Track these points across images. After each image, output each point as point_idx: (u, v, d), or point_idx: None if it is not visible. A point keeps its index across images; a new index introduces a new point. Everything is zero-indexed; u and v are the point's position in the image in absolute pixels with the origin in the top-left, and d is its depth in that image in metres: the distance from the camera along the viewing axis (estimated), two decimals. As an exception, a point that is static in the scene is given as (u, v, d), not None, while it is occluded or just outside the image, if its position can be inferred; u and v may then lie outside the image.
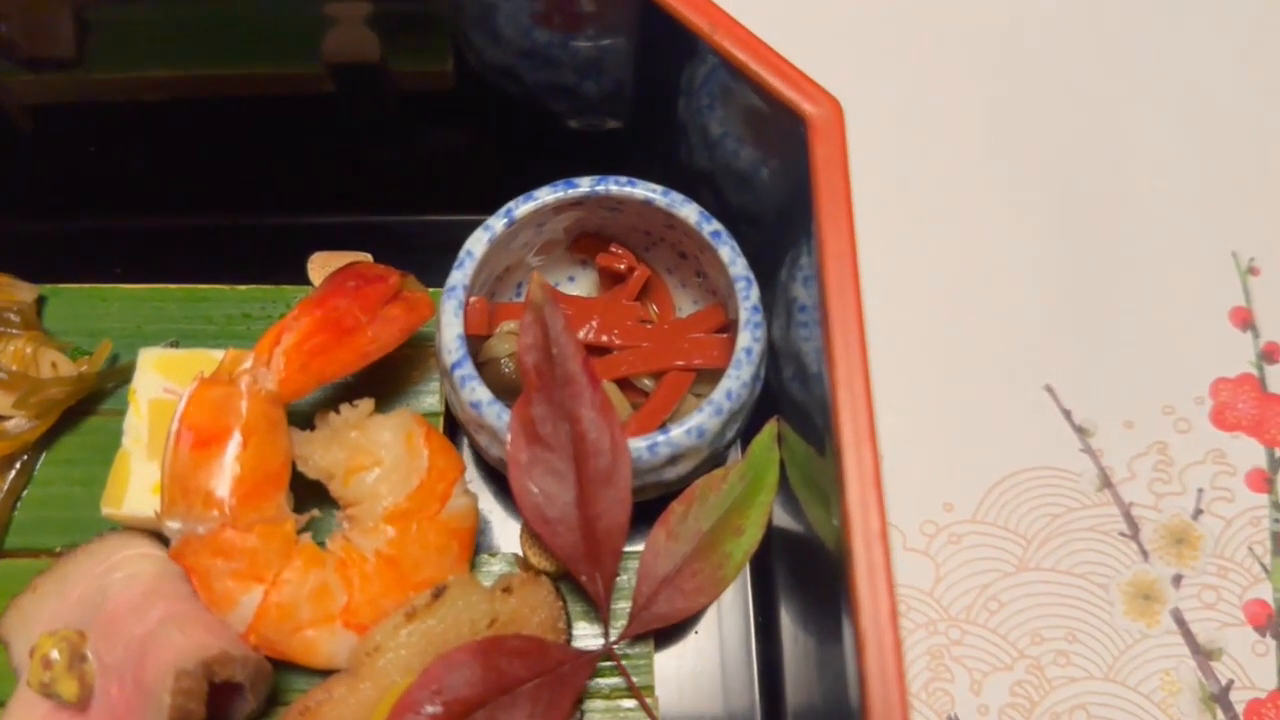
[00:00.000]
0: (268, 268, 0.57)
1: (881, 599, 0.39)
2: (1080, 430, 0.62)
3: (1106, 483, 0.61)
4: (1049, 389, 0.62)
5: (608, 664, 0.51)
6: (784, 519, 0.54)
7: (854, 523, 0.40)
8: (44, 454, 0.53)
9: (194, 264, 0.58)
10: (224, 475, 0.46)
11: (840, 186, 0.44)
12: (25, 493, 0.52)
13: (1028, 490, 0.60)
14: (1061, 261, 0.65)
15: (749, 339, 0.50)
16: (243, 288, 0.56)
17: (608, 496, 0.48)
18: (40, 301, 0.55)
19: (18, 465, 0.52)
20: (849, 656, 0.41)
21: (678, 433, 0.48)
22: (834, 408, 0.42)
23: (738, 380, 0.49)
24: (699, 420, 0.49)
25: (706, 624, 0.56)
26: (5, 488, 0.51)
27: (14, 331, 0.51)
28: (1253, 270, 0.65)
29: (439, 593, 0.46)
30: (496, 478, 0.57)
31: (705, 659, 0.55)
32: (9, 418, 0.51)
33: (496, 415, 0.48)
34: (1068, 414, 0.62)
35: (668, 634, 0.54)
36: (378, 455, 0.48)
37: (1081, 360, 0.63)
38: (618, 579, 0.52)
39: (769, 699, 0.55)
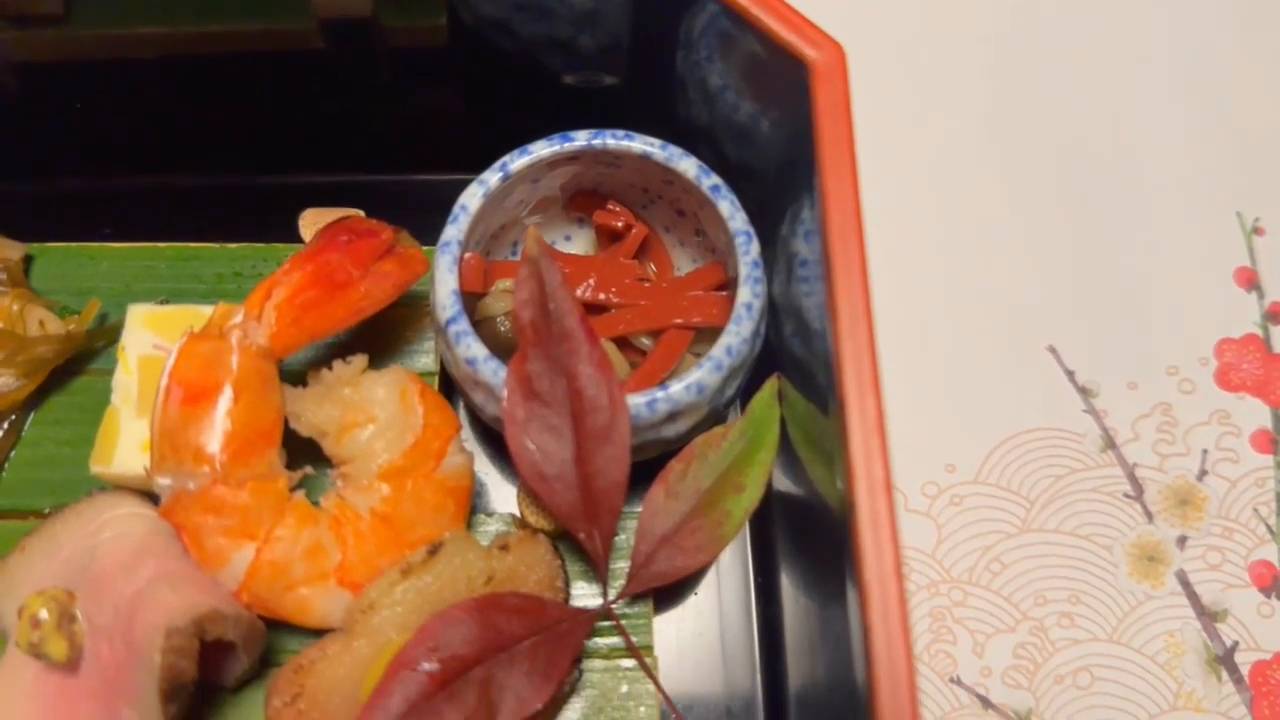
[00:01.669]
0: (258, 227, 0.56)
1: (885, 548, 0.38)
2: (1083, 391, 0.61)
3: (1110, 444, 0.60)
4: (1052, 350, 0.62)
5: (606, 624, 0.50)
6: (784, 480, 0.53)
7: (857, 471, 0.39)
8: (32, 414, 0.52)
9: (183, 224, 0.56)
10: (215, 431, 0.45)
11: (843, 132, 0.43)
12: (13, 453, 0.51)
13: (1030, 451, 0.60)
14: (1064, 221, 0.64)
15: (749, 294, 0.49)
16: (233, 246, 0.55)
17: (606, 453, 0.47)
18: (27, 260, 0.54)
19: (5, 425, 0.51)
20: (852, 615, 0.41)
21: (677, 389, 0.48)
22: (837, 357, 0.41)
23: (738, 336, 0.49)
24: (699, 376, 0.48)
25: (706, 586, 0.55)
26: (-7, 447, 0.50)
27: (1, 289, 0.50)
28: (1257, 231, 0.64)
29: (435, 549, 0.46)
30: (492, 439, 0.56)
31: (705, 620, 0.55)
32: (-4, 376, 0.50)
33: (493, 372, 0.47)
34: (1071, 375, 0.61)
35: (667, 595, 0.54)
36: (371, 412, 0.48)
37: (1085, 321, 0.62)
38: (616, 539, 0.52)
39: (768, 660, 0.55)
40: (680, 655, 0.54)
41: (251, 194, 0.59)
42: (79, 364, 0.53)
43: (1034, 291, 0.62)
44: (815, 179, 0.44)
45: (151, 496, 0.49)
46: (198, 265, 0.54)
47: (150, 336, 0.49)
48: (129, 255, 0.54)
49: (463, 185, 0.51)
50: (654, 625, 0.51)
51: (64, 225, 0.56)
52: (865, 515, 0.39)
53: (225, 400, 0.45)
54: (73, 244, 0.55)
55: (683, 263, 0.57)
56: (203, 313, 0.49)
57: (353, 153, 0.59)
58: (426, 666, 0.43)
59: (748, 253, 0.50)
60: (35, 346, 0.50)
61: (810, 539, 0.52)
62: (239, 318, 0.46)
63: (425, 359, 0.54)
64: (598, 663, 0.50)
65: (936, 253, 0.63)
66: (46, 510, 0.50)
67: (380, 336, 0.53)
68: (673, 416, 0.48)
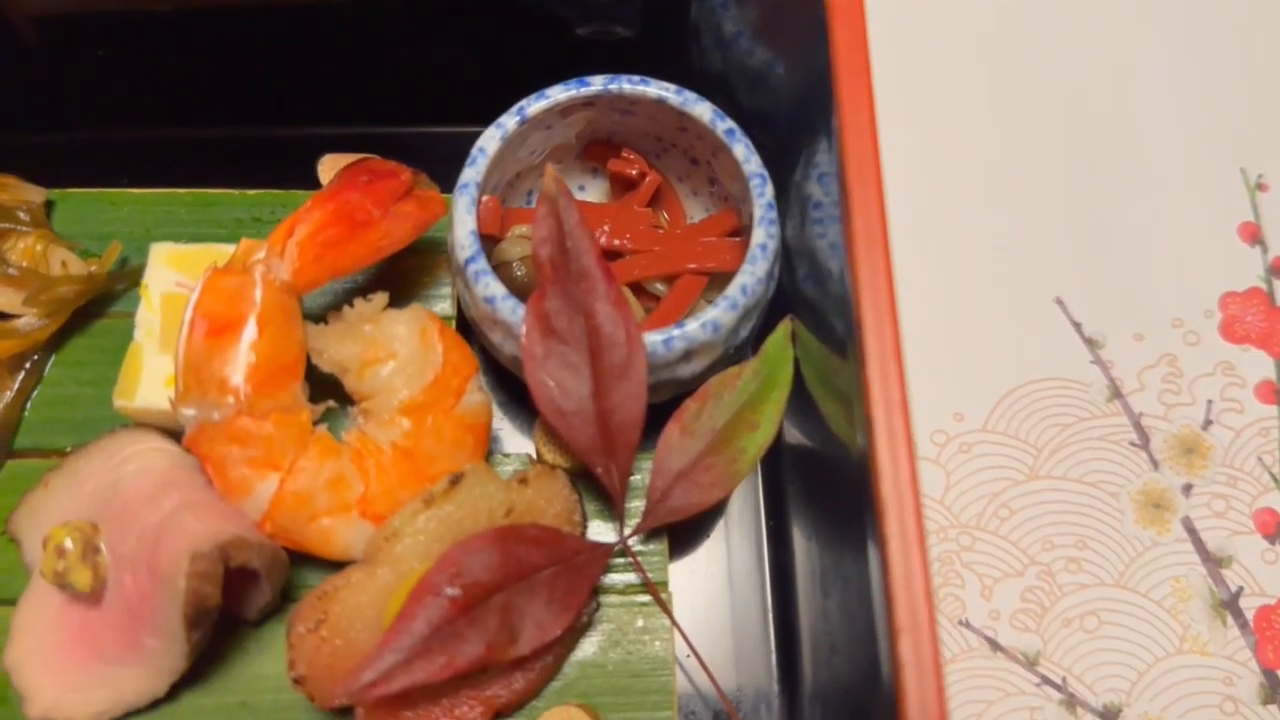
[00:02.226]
0: (276, 176, 0.57)
1: (903, 466, 0.38)
2: (1090, 342, 0.62)
3: (1116, 393, 0.61)
4: (1059, 301, 0.62)
5: (622, 561, 0.51)
6: (795, 424, 0.54)
7: (874, 390, 0.40)
8: (53, 355, 0.52)
9: (201, 174, 0.57)
10: (239, 363, 0.45)
11: (861, 68, 0.44)
12: (35, 393, 0.52)
13: (1038, 400, 0.60)
14: (1071, 176, 0.65)
15: (764, 235, 0.50)
16: (252, 192, 0.56)
17: (623, 390, 0.48)
18: (48, 206, 0.55)
19: (27, 365, 0.51)
20: (871, 559, 0.41)
21: (693, 327, 0.48)
22: (855, 283, 0.41)
23: (753, 276, 0.49)
24: (714, 315, 0.48)
25: (718, 529, 0.56)
26: (15, 387, 0.51)
27: (23, 229, 0.51)
28: (1261, 186, 0.65)
29: (456, 480, 0.46)
30: (507, 383, 0.56)
31: (717, 562, 0.55)
32: (19, 316, 0.51)
33: (511, 310, 0.48)
34: (1078, 326, 0.62)
35: (680, 538, 0.54)
36: (392, 348, 0.48)
37: (1091, 274, 0.63)
38: (632, 479, 0.52)
39: (780, 601, 0.55)
40: (693, 595, 0.55)
41: (268, 145, 0.60)
42: (100, 306, 0.53)
43: (1041, 244, 0.63)
44: (832, 116, 0.45)
45: (173, 434, 0.50)
46: (217, 210, 0.55)
47: (173, 274, 0.50)
48: (149, 201, 0.55)
49: (476, 138, 0.52)
50: (668, 566, 0.52)
51: (83, 176, 0.57)
52: (882, 432, 0.40)
53: (249, 333, 0.45)
54: (93, 190, 0.55)
55: (695, 212, 0.58)
56: (225, 251, 0.49)
57: (368, 105, 0.60)
58: (449, 592, 0.44)
59: (762, 195, 0.50)
60: (57, 286, 0.50)
61: (822, 482, 0.53)
62: (262, 253, 0.47)
63: (442, 304, 0.55)
64: (614, 598, 0.50)
65: (944, 206, 0.64)
66: (69, 449, 0.51)
67: (397, 282, 0.54)
68: (688, 355, 0.49)
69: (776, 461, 0.57)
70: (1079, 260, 0.63)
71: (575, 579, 0.47)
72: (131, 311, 0.52)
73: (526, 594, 0.45)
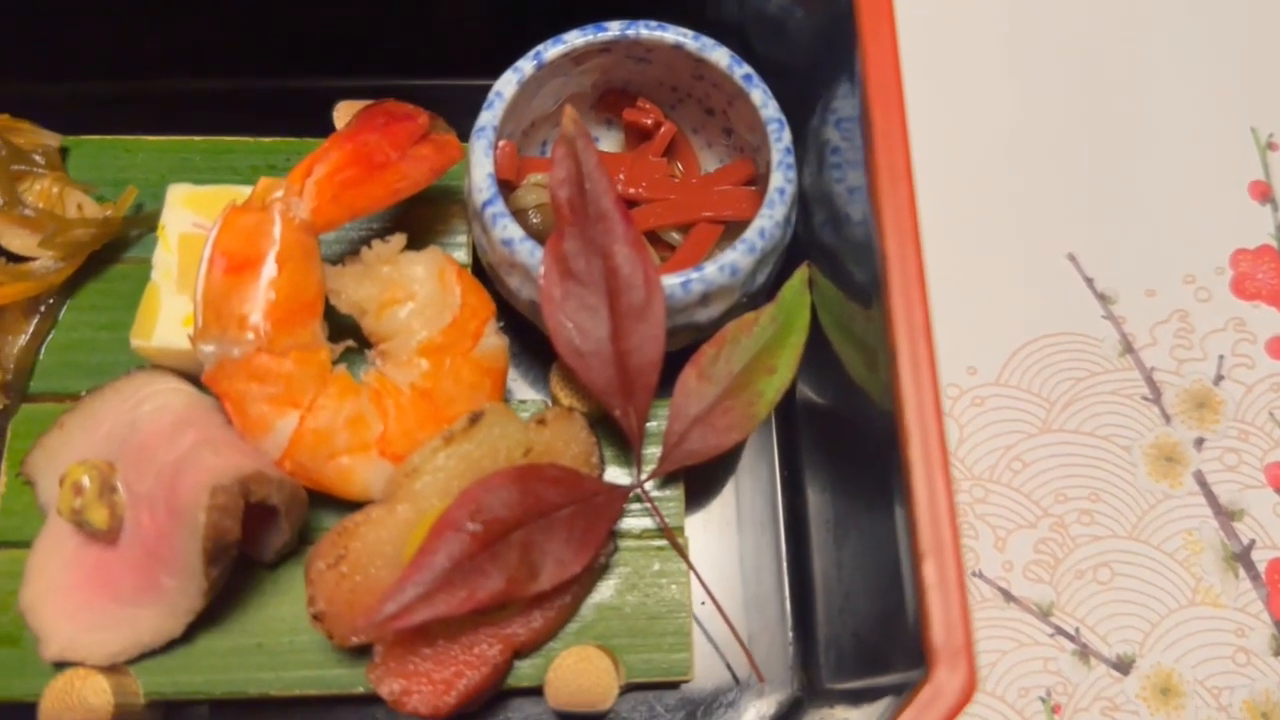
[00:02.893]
0: (290, 127, 0.57)
1: (925, 387, 0.38)
2: (1102, 298, 0.62)
3: (1129, 348, 0.61)
4: (1071, 258, 0.62)
5: (639, 507, 0.51)
6: (810, 375, 0.54)
7: (897, 318, 0.40)
8: (68, 300, 0.52)
9: (215, 124, 0.57)
10: (258, 299, 0.45)
11: (884, 9, 0.44)
12: (50, 337, 0.52)
13: (1050, 355, 0.61)
14: (1083, 134, 0.65)
15: (782, 179, 0.50)
16: (267, 140, 0.55)
17: (641, 332, 0.48)
18: (63, 153, 0.54)
19: (42, 309, 0.51)
20: (897, 512, 0.41)
21: (711, 269, 0.48)
22: (879, 223, 0.41)
23: (771, 220, 0.49)
24: (732, 258, 0.48)
25: (733, 478, 0.56)
26: (30, 331, 0.51)
27: (39, 171, 0.51)
28: (1271, 146, 0.65)
29: (476, 418, 0.46)
30: (523, 333, 0.56)
31: (731, 511, 0.56)
32: (34, 259, 0.50)
33: (529, 252, 0.48)
34: (1090, 282, 0.62)
35: (696, 487, 0.54)
36: (410, 289, 0.48)
37: (1103, 231, 0.63)
38: (648, 425, 0.52)
39: (794, 549, 0.55)
40: (708, 543, 0.55)
41: (284, 96, 0.59)
42: (115, 252, 0.53)
43: (1054, 201, 0.63)
44: (855, 58, 0.45)
45: (190, 377, 0.49)
46: (232, 158, 0.55)
47: (190, 215, 0.50)
48: (164, 148, 0.55)
49: (488, 91, 0.52)
50: (684, 514, 0.52)
51: (97, 125, 0.56)
52: (906, 361, 0.40)
53: (268, 270, 0.45)
54: (108, 137, 0.55)
55: (710, 164, 0.57)
56: (242, 193, 0.49)
57: (384, 56, 0.60)
58: (470, 527, 0.44)
59: (780, 139, 0.50)
60: (73, 229, 0.50)
61: (836, 431, 0.53)
62: (280, 192, 0.47)
63: (458, 253, 0.55)
64: (631, 542, 0.50)
65: (957, 163, 0.64)
66: (83, 393, 0.51)
67: (413, 231, 0.53)
68: (705, 299, 0.49)
69: (790, 411, 0.57)
70: (1091, 217, 0.63)
71: (594, 519, 0.47)
72: (146, 258, 0.52)
73: (546, 531, 0.45)
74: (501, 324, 0.51)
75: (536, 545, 0.45)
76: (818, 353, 0.51)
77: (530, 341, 0.56)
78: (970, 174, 0.64)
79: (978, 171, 0.64)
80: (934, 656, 0.35)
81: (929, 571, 0.36)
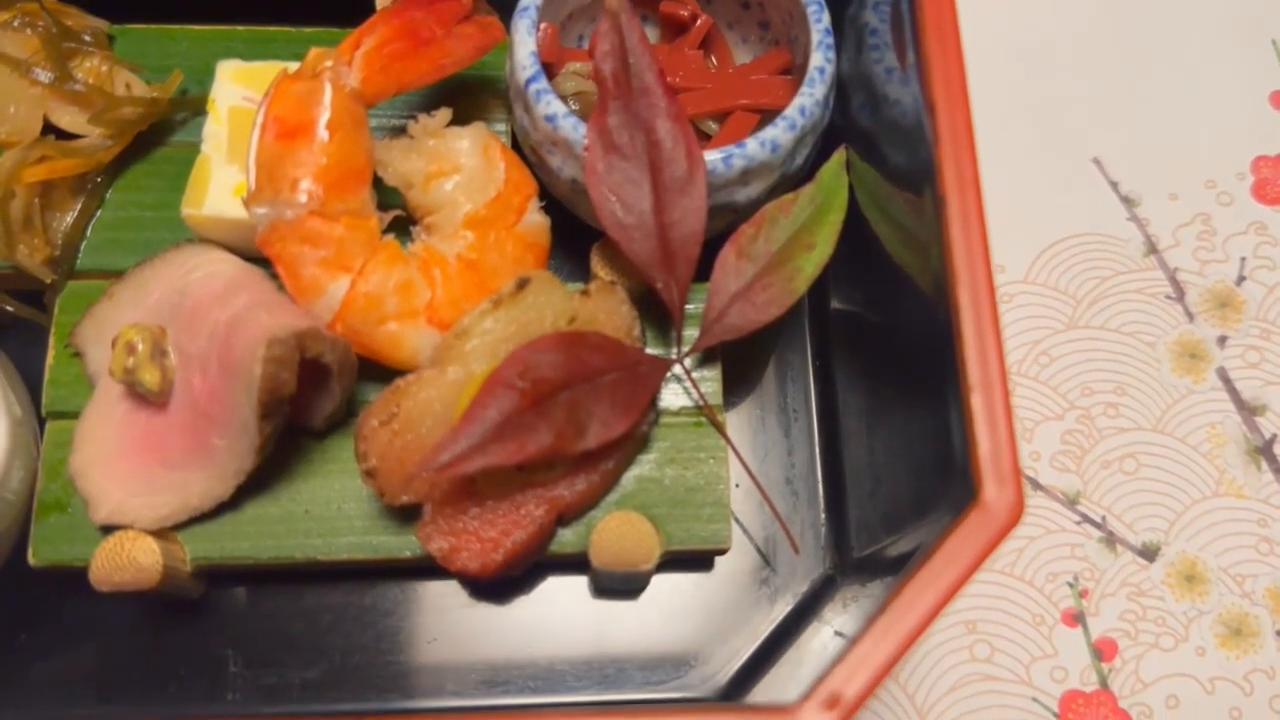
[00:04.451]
0: (332, 17, 0.57)
1: (974, 230, 0.39)
2: (1127, 201, 0.63)
3: (1152, 249, 0.62)
4: (1097, 161, 0.63)
5: (678, 386, 0.51)
6: (843, 272, 0.54)
7: (948, 177, 0.41)
8: (115, 180, 0.53)
9: (258, 14, 0.57)
10: (310, 164, 0.46)
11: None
12: (96, 216, 0.52)
13: (1077, 254, 0.61)
14: (1109, 41, 0.66)
15: (822, 59, 0.51)
16: (309, 29, 0.56)
17: (683, 205, 0.49)
18: (110, 40, 0.55)
19: (89, 188, 0.52)
20: (950, 399, 0.41)
21: (752, 144, 0.49)
22: (930, 104, 0.42)
23: (811, 98, 0.50)
24: (773, 134, 0.49)
25: (768, 367, 0.57)
26: (78, 209, 0.51)
27: (89, 50, 0.51)
28: (1292, 57, 0.66)
29: (523, 284, 0.47)
30: (559, 223, 0.57)
31: (766, 399, 0.57)
32: (83, 136, 0.51)
33: (573, 127, 0.49)
34: (1115, 185, 0.63)
35: (731, 378, 0.55)
36: (456, 162, 0.49)
37: (1128, 136, 0.64)
38: (686, 308, 0.53)
39: (826, 436, 0.56)
40: (742, 426, 0.56)
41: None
42: (160, 135, 0.54)
43: (1080, 105, 0.64)
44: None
45: (237, 252, 0.50)
46: (274, 47, 0.55)
47: (239, 90, 0.50)
48: (207, 37, 0.55)
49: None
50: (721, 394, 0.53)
51: (141, 15, 0.57)
52: (960, 253, 0.40)
53: (320, 135, 0.46)
54: (152, 25, 0.56)
55: (744, 59, 0.58)
56: (289, 68, 0.50)
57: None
58: (519, 384, 0.44)
59: (819, 20, 0.51)
60: (121, 106, 0.51)
61: (870, 325, 0.54)
62: (331, 62, 0.47)
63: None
64: (669, 419, 0.51)
65: (986, 67, 0.65)
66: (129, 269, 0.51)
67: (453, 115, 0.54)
68: (745, 176, 0.50)
69: (822, 309, 0.58)
70: (1117, 124, 0.64)
71: (636, 386, 0.48)
72: (191, 141, 0.53)
73: (591, 395, 0.46)
74: (544, 203, 0.52)
75: (583, 406, 0.46)
76: (850, 242, 0.52)
77: (567, 229, 0.56)
78: (999, 80, 0.65)
79: (1005, 77, 0.65)
80: (982, 478, 0.36)
81: (977, 403, 0.37)
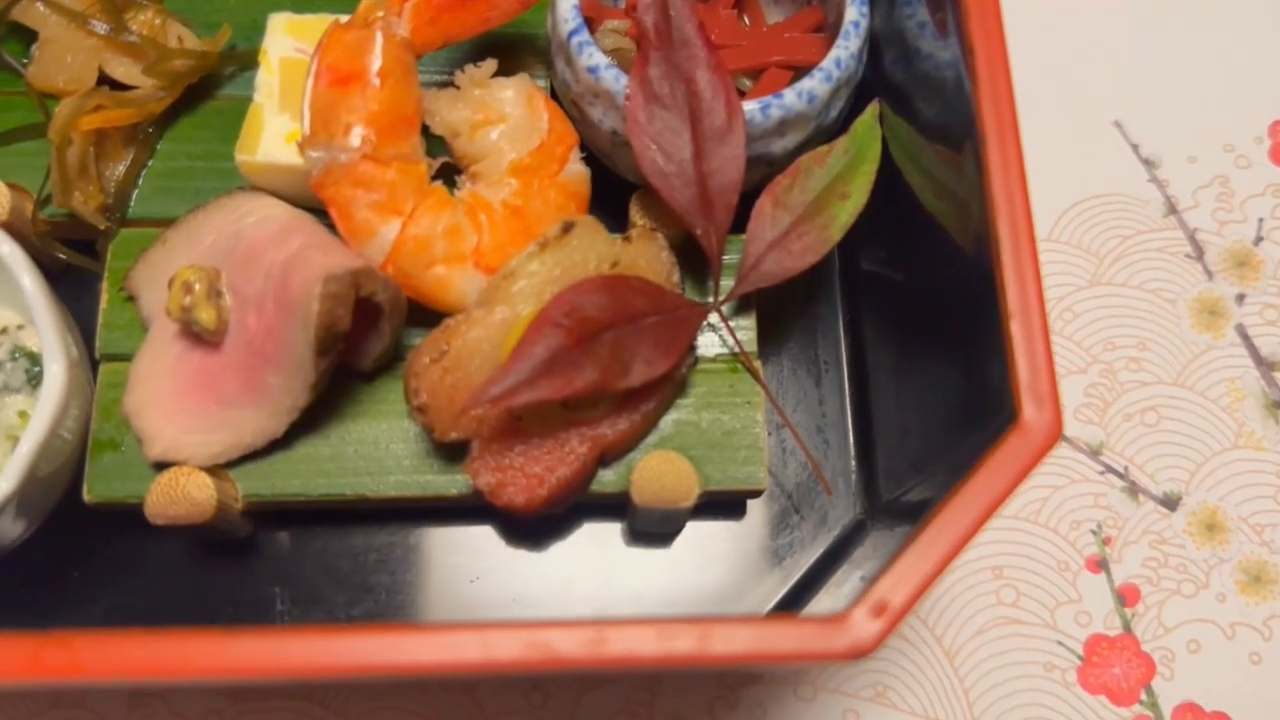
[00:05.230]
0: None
1: (1013, 169, 0.41)
2: (1147, 162, 0.64)
3: (1172, 210, 0.63)
4: (1118, 124, 0.65)
5: (713, 333, 0.53)
6: (872, 227, 0.56)
7: (987, 117, 0.42)
8: (166, 131, 0.54)
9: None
10: (362, 110, 0.47)
11: None
12: (148, 166, 0.54)
13: (1099, 214, 0.63)
14: (1129, 8, 0.67)
15: (856, 13, 0.52)
16: (354, -12, 0.57)
17: (722, 153, 0.50)
18: (158, -3, 0.56)
19: (141, 138, 0.53)
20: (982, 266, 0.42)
21: (790, 95, 0.51)
22: (968, 42, 0.44)
23: (846, 51, 0.52)
24: (810, 85, 0.51)
25: (800, 323, 0.59)
26: (130, 157, 0.53)
27: (143, 2, 0.53)
28: (1308, 25, 0.68)
29: (569, 228, 0.48)
30: (597, 179, 0.58)
31: (795, 349, 0.58)
32: (136, 88, 0.53)
33: (614, 79, 0.50)
34: (1135, 147, 0.64)
35: (766, 326, 0.56)
36: (502, 111, 0.50)
37: (1148, 100, 0.65)
38: (723, 259, 0.54)
39: (856, 388, 0.58)
40: (775, 376, 0.57)
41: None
42: (210, 89, 0.55)
43: (1101, 68, 0.66)
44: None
45: (290, 200, 0.51)
46: (321, 4, 0.57)
47: (290, 41, 0.52)
48: (255, -7, 0.57)
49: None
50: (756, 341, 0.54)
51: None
52: (1000, 189, 0.42)
53: (372, 82, 0.47)
54: (203, -21, 0.57)
55: (776, 20, 0.60)
56: (340, 20, 0.51)
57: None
58: (566, 323, 0.46)
59: (854, -24, 0.53)
60: (175, 57, 0.52)
61: (900, 283, 0.56)
62: (382, 12, 0.49)
63: (536, 98, 0.57)
64: (705, 365, 0.52)
65: (1011, 27, 0.66)
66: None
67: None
68: (782, 127, 0.51)
69: (854, 264, 0.60)
70: (1136, 88, 0.66)
71: (677, 329, 0.49)
72: (239, 95, 0.54)
73: (634, 335, 0.47)
74: (585, 154, 0.53)
75: (626, 345, 0.47)
76: (880, 195, 0.53)
77: (603, 185, 0.57)
78: (1021, 47, 0.66)
79: (1028, 40, 0.66)
80: (1021, 400, 0.38)
81: (1016, 328, 0.39)
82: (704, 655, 0.35)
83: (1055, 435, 0.37)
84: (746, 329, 0.53)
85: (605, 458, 0.50)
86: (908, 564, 0.36)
